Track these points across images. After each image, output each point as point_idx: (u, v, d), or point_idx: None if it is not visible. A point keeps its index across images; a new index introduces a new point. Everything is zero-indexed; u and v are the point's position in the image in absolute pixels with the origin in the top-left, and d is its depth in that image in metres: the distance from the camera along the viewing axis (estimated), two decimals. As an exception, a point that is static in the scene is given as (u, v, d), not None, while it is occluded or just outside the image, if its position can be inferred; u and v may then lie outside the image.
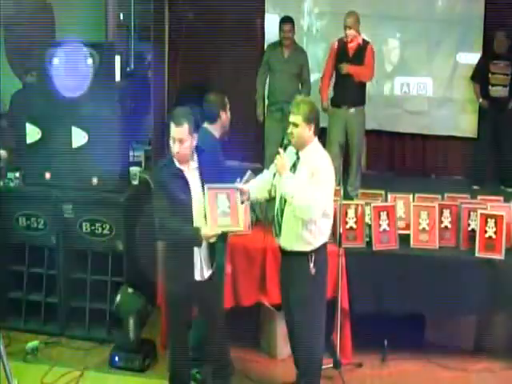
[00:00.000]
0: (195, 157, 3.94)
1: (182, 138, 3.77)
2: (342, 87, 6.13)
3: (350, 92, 6.09)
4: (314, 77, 6.76)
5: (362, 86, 6.17)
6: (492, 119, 6.75)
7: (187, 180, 3.89)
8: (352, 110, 6.10)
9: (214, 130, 4.43)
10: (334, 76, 6.25)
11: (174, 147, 3.81)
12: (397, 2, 7.15)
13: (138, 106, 8.37)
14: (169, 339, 4.26)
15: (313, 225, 3.85)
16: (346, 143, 6.19)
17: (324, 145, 4.02)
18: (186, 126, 3.77)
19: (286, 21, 6.42)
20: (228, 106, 4.48)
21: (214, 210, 3.85)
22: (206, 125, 4.44)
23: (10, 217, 5.17)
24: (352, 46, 6.06)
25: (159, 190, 3.91)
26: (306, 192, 3.76)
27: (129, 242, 5.02)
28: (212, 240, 3.91)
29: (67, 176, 5.06)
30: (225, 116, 4.44)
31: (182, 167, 3.90)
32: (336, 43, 6.15)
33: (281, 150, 3.88)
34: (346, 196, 5.44)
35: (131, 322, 4.61)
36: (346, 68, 5.99)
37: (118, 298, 4.74)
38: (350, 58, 6.06)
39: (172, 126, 3.79)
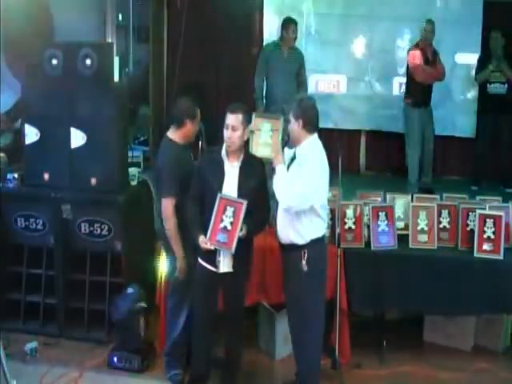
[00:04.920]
0: (242, 156, 4.01)
1: (235, 125, 3.94)
2: (424, 88, 6.59)
3: (429, 92, 6.66)
4: (315, 77, 6.76)
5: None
6: (491, 119, 6.76)
7: (224, 170, 3.98)
8: (429, 107, 6.68)
9: (177, 136, 4.39)
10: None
11: (227, 133, 3.96)
12: (396, 2, 7.15)
13: (137, 106, 8.38)
14: (193, 333, 4.27)
15: (302, 215, 3.87)
16: (422, 139, 6.68)
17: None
18: (240, 115, 3.95)
19: (290, 22, 6.37)
20: (198, 119, 4.40)
21: (218, 222, 3.89)
22: (169, 131, 4.43)
23: (9, 217, 5.16)
24: (429, 50, 6.55)
25: (196, 173, 4.09)
26: (287, 179, 3.83)
27: (128, 243, 5.01)
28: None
29: (66, 177, 5.05)
30: (190, 125, 4.38)
31: (225, 157, 4.00)
32: (418, 49, 6.49)
33: None
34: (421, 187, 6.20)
35: (129, 322, 4.61)
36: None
37: (118, 298, 4.74)
38: (430, 61, 6.54)
39: (228, 114, 3.98)
